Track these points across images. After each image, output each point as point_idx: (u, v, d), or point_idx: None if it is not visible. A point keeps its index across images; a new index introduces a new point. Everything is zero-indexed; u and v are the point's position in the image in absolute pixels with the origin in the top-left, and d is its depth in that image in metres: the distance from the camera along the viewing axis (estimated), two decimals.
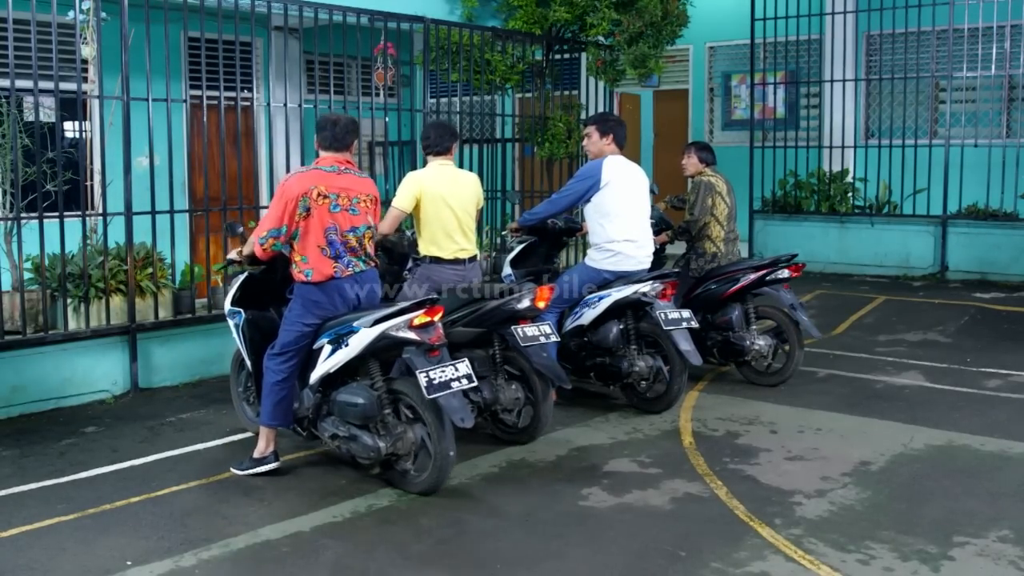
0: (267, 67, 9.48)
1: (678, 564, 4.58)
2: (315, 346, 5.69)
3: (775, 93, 14.84)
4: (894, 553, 4.68)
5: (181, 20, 8.10)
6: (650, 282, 6.95)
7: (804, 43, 14.28)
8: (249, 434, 6.67)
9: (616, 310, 7.03)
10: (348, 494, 5.54)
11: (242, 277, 6.30)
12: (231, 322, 6.28)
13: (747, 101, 15.30)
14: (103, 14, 7.88)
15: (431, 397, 5.26)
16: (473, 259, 6.74)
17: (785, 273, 7.76)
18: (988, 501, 5.34)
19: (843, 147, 14.05)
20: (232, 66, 8.78)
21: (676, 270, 7.76)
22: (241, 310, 6.19)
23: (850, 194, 13.85)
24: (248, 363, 6.24)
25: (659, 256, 8.00)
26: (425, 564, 4.64)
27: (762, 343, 7.73)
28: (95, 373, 7.58)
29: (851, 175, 13.95)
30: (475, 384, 5.48)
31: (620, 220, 7.02)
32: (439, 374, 5.31)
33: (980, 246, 12.56)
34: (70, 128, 9.91)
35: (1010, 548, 4.73)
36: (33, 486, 5.74)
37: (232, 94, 8.82)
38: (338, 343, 5.52)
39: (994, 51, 12.66)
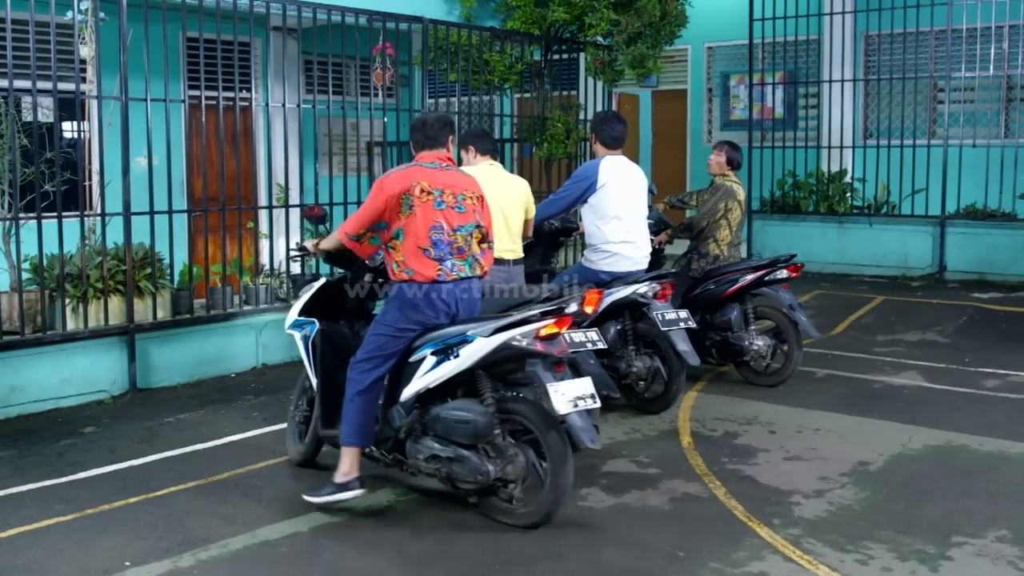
0: (266, 67, 9.47)
1: (676, 564, 4.58)
2: (412, 358, 5.15)
3: (773, 93, 14.85)
4: (892, 553, 4.68)
5: (180, 20, 8.11)
6: (647, 283, 6.95)
7: (802, 43, 14.29)
8: (248, 433, 6.68)
9: (614, 311, 7.02)
10: None
11: (317, 284, 5.88)
12: (297, 333, 5.80)
13: (746, 101, 15.30)
14: (101, 14, 7.87)
15: (564, 414, 4.91)
16: (518, 261, 6.68)
17: (784, 273, 7.76)
18: (986, 501, 5.34)
19: (841, 147, 14.06)
20: (231, 66, 8.79)
21: (674, 270, 7.76)
22: (315, 320, 5.71)
23: (848, 194, 13.86)
24: (313, 381, 5.69)
25: (658, 256, 8.01)
26: (424, 564, 4.64)
27: (761, 343, 7.74)
28: (93, 373, 7.58)
29: (849, 175, 13.96)
30: (599, 404, 5.13)
31: (617, 221, 7.01)
32: (569, 390, 4.96)
33: (978, 246, 12.57)
34: (68, 128, 9.91)
35: (1008, 548, 4.73)
36: (31, 486, 5.73)
37: (231, 94, 8.83)
38: (445, 354, 4.99)
39: (992, 51, 12.66)
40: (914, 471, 5.86)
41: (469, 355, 4.91)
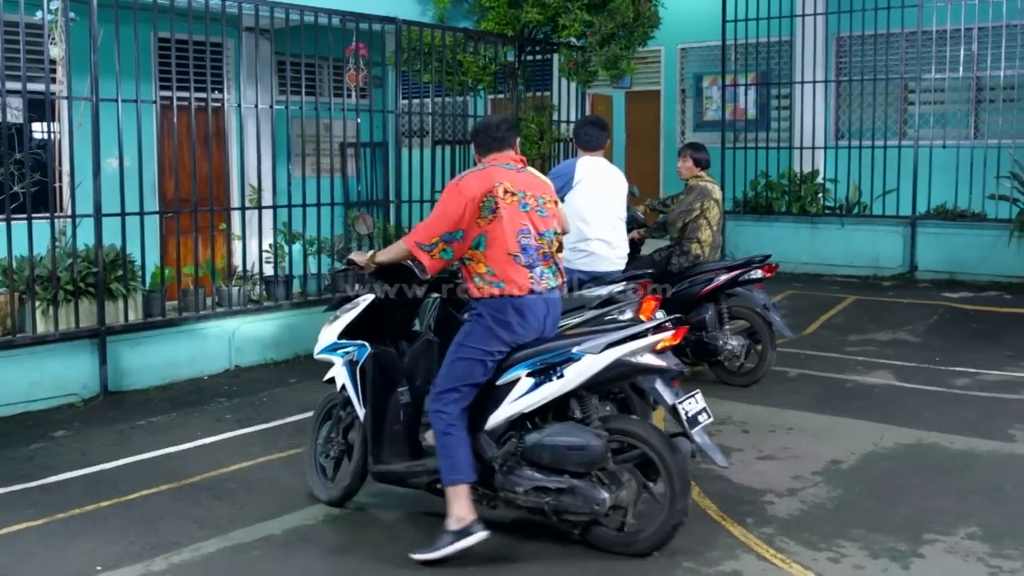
0: (238, 68, 9.43)
1: (651, 563, 4.59)
2: (500, 381, 4.68)
3: (746, 94, 14.92)
4: (864, 551, 4.71)
5: (151, 20, 8.06)
6: (623, 283, 6.96)
7: (775, 45, 14.37)
8: (220, 436, 6.64)
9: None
10: None
11: (365, 302, 5.26)
12: (339, 358, 5.21)
13: (719, 102, 15.36)
14: (71, 14, 7.80)
15: (694, 432, 4.62)
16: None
17: (758, 273, 7.83)
18: (957, 499, 5.39)
19: (813, 148, 14.13)
20: (203, 67, 8.74)
21: (650, 270, 7.77)
22: (365, 343, 5.14)
23: (820, 195, 13.94)
24: (360, 412, 5.10)
25: (636, 255, 8.03)
26: (398, 567, 4.63)
27: (735, 343, 7.77)
28: (64, 376, 7.52)
29: (821, 176, 14.03)
30: (712, 419, 4.82)
31: (594, 220, 7.00)
32: (691, 407, 4.67)
33: (949, 246, 12.67)
34: (38, 129, 9.82)
35: (979, 545, 4.77)
36: (1, 491, 5.69)
37: (203, 95, 8.77)
38: (546, 375, 4.58)
39: (962, 53, 12.77)
40: (886, 469, 5.90)
41: (577, 374, 4.55)
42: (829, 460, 6.04)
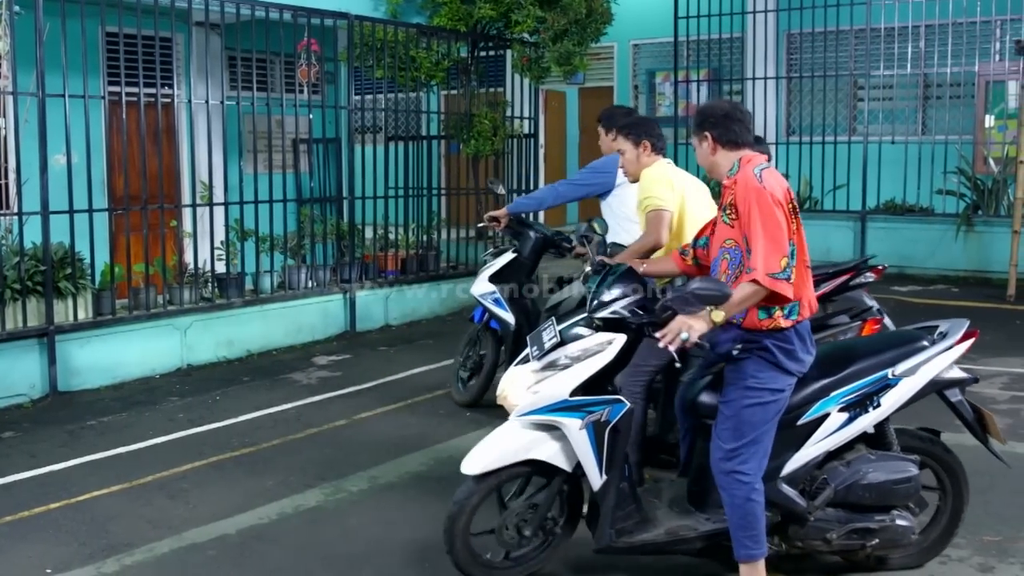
0: (188, 63, 9.32)
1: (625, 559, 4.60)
2: (803, 420, 4.05)
3: (698, 90, 15.01)
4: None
5: (98, 15, 7.94)
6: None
7: (726, 41, 14.48)
8: (173, 435, 6.58)
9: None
10: (275, 495, 5.49)
11: (615, 345, 4.09)
12: (570, 419, 4.02)
13: (671, 98, 15.45)
14: (16, 8, 7.68)
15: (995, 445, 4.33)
16: None
17: (870, 277, 7.18)
18: None
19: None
20: (152, 62, 8.63)
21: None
22: (621, 399, 4.08)
23: None
24: (597, 482, 4.07)
25: None
26: (354, 566, 4.61)
27: None
28: (11, 377, 7.39)
29: None
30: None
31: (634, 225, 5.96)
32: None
33: (897, 240, 12.84)
34: None
35: None
36: None
37: (152, 91, 8.67)
38: (861, 407, 4.10)
39: (910, 50, 12.97)
40: None
41: (895, 401, 4.15)
42: None
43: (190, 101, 8.81)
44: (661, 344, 3.68)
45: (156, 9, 8.17)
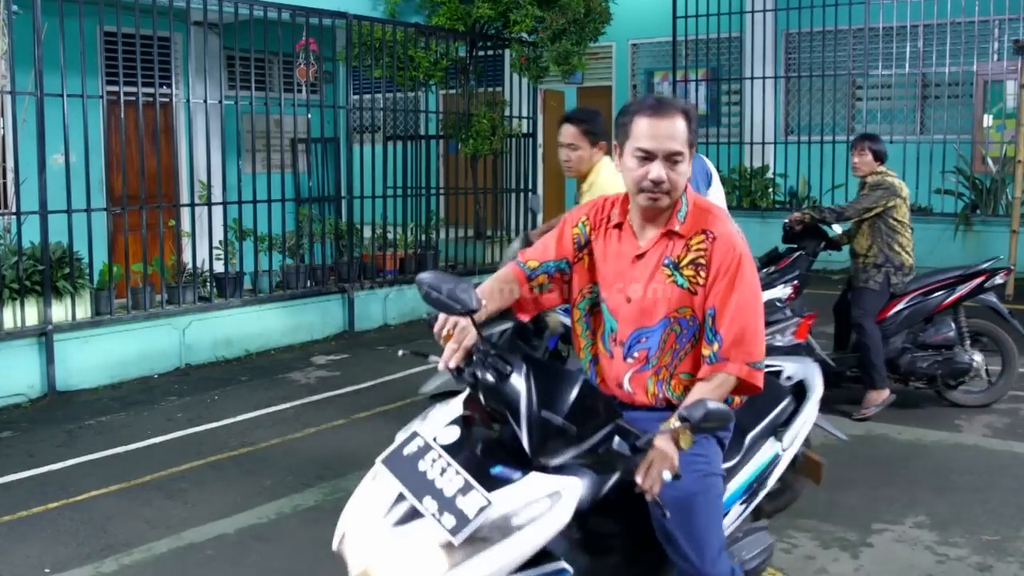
0: (187, 63, 9.31)
1: None
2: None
3: (697, 90, 15.02)
4: (815, 541, 4.77)
5: (97, 14, 7.93)
6: (780, 286, 6.77)
7: (725, 41, 14.49)
8: (171, 435, 6.58)
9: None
10: (273, 494, 5.48)
11: (566, 501, 2.69)
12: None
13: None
14: (15, 7, 7.68)
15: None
16: None
17: (1000, 279, 7.01)
18: (905, 488, 5.48)
19: (763, 143, 14.28)
20: (150, 62, 8.63)
21: (863, 285, 7.20)
22: (565, 567, 2.74)
23: (771, 189, 14.08)
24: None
25: (830, 242, 7.61)
26: None
27: (980, 359, 6.90)
28: (10, 376, 7.39)
29: (771, 171, 14.18)
30: None
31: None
32: None
33: None
34: None
35: (926, 534, 4.85)
36: None
37: (150, 90, 8.67)
38: (755, 495, 3.53)
39: (908, 50, 12.97)
40: (836, 460, 5.95)
41: (776, 477, 3.68)
42: None
43: (188, 100, 8.80)
44: (643, 491, 2.69)
45: (154, 8, 8.16)
